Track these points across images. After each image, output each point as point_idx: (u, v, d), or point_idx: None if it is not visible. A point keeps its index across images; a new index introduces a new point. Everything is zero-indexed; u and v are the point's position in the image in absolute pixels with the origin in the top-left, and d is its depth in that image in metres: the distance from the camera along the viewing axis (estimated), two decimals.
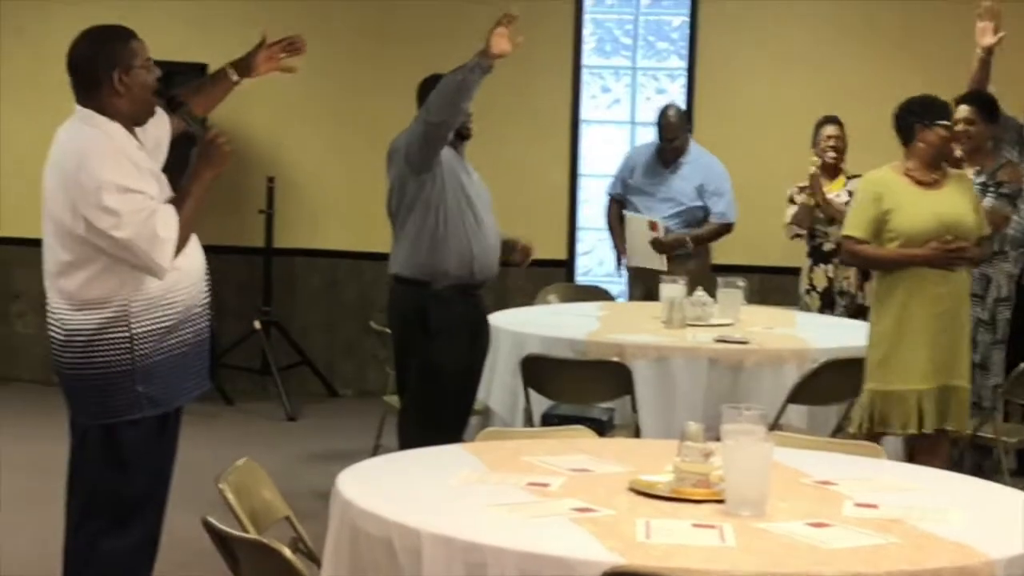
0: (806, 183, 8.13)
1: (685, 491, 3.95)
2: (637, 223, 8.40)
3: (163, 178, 4.72)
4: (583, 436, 4.84)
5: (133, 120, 4.67)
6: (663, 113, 8.58)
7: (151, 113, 4.72)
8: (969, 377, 6.13)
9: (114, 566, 4.74)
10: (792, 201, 8.30)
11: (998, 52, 7.13)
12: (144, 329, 4.61)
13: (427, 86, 6.48)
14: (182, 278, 4.66)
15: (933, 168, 6.04)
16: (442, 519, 3.69)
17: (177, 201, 4.59)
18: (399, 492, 3.99)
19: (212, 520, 3.80)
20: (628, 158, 8.81)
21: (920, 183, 6.01)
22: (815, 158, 8.16)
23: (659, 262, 8.19)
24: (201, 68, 9.41)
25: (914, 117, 6.03)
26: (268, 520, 4.22)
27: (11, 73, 9.73)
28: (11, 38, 9.75)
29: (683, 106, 9.31)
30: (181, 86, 5.22)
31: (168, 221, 4.51)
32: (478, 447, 4.64)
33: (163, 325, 4.64)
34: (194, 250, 4.75)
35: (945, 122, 6.02)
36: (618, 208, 8.68)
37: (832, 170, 8.25)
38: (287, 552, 3.65)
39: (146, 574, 4.87)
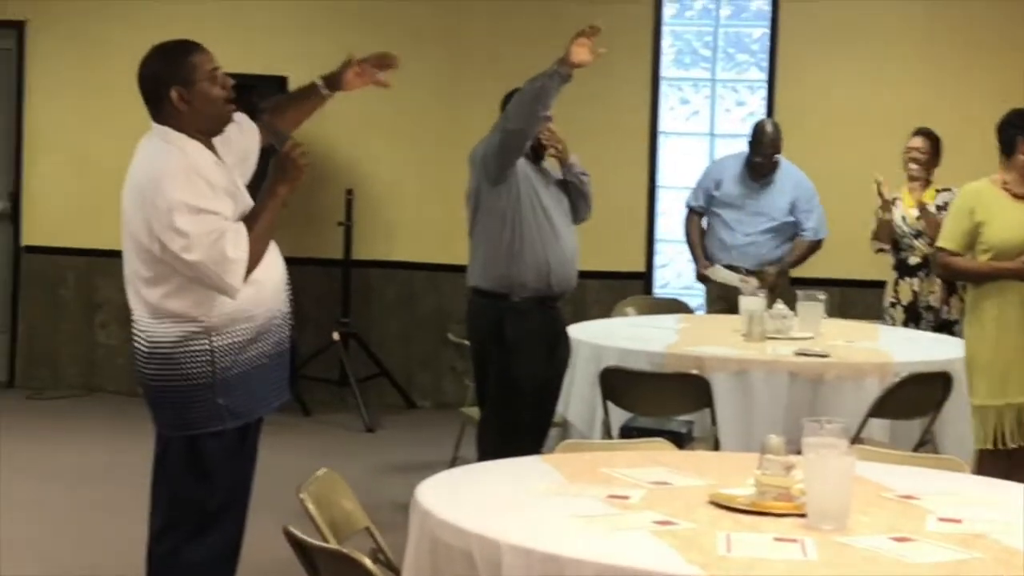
0: (891, 196, 8.03)
1: (766, 504, 3.92)
2: (724, 275, 8.30)
3: (241, 192, 4.69)
4: (662, 449, 4.82)
5: (205, 133, 4.66)
6: (761, 128, 8.47)
7: (221, 124, 4.70)
8: None
9: (195, 574, 4.75)
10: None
11: None
12: (224, 342, 4.61)
13: (511, 98, 6.48)
14: (261, 290, 4.65)
15: None
16: (522, 530, 3.68)
17: (249, 218, 4.57)
18: (478, 503, 3.99)
19: (293, 529, 3.82)
20: (712, 170, 8.71)
21: (1017, 196, 5.95)
22: (878, 173, 8.05)
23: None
24: (280, 80, 9.49)
25: (1015, 130, 5.97)
26: (348, 530, 4.23)
27: (94, 89, 9.87)
28: (97, 53, 9.91)
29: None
30: (268, 98, 5.23)
31: (238, 241, 4.49)
32: (557, 459, 4.62)
33: (243, 337, 4.63)
34: (274, 262, 4.74)
35: None
36: (698, 220, 8.60)
37: (921, 182, 8.10)
38: (368, 562, 3.65)
39: None
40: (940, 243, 6.05)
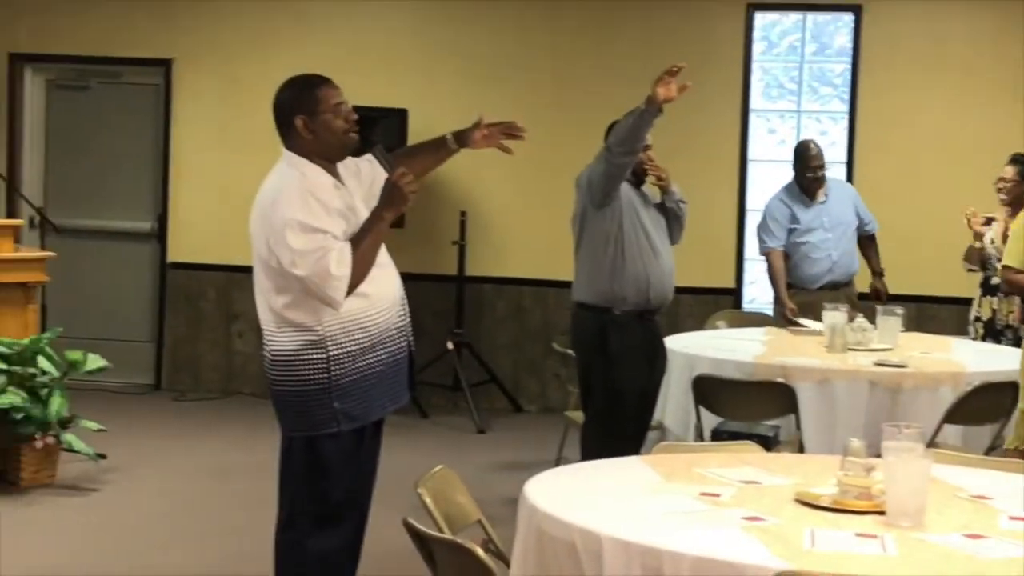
0: (984, 218, 7.86)
1: (848, 503, 3.89)
2: (815, 326, 7.70)
3: (357, 216, 4.66)
4: (751, 451, 4.80)
5: (326, 159, 4.67)
6: (806, 146, 8.28)
7: (342, 152, 4.71)
8: None
9: (319, 564, 4.76)
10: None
11: None
12: (339, 351, 4.62)
13: (613, 129, 6.51)
14: (374, 304, 4.65)
15: None
16: (621, 524, 3.68)
17: (356, 239, 4.56)
18: (581, 499, 3.99)
19: (412, 521, 3.84)
20: (775, 209, 8.31)
21: None
22: (970, 207, 7.89)
23: None
24: (401, 113, 9.55)
25: None
26: (461, 522, 4.24)
27: (233, 120, 9.98)
28: (236, 88, 10.02)
29: (846, 147, 9.32)
30: (401, 147, 5.19)
31: (343, 259, 4.49)
32: (654, 459, 4.61)
33: (357, 347, 4.64)
34: (388, 279, 4.74)
35: None
36: (782, 257, 8.22)
37: (1009, 208, 7.79)
38: (480, 552, 3.67)
39: (350, 573, 4.89)
40: (1005, 261, 6.01)
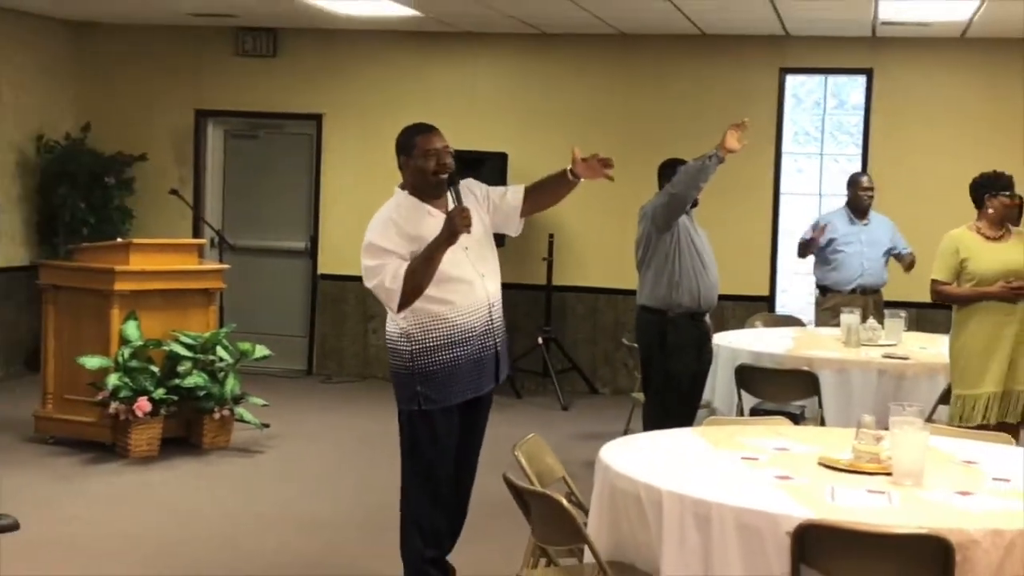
0: None
1: (861, 466, 3.87)
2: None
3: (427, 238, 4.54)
4: (783, 425, 4.78)
5: (421, 192, 4.62)
6: (860, 175, 8.31)
7: (430, 189, 4.61)
8: None
9: (423, 515, 4.73)
10: None
11: None
12: (419, 346, 4.58)
13: (665, 166, 6.51)
14: (455, 309, 4.58)
15: (998, 227, 5.85)
16: (677, 481, 3.68)
17: (416, 259, 4.49)
18: (645, 461, 3.98)
19: (511, 477, 3.86)
20: (823, 219, 8.28)
21: (988, 238, 5.83)
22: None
23: None
24: (503, 156, 9.58)
25: (983, 189, 5.87)
26: (550, 479, 4.25)
27: (370, 162, 10.05)
28: (373, 136, 10.09)
29: None
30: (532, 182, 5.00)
31: (397, 275, 4.46)
32: (704, 431, 4.60)
33: (437, 343, 4.58)
34: (474, 291, 4.63)
35: (1007, 192, 5.82)
36: (813, 244, 8.13)
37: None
38: (565, 502, 3.68)
39: (446, 523, 4.81)
40: (933, 275, 5.89)
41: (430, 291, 4.52)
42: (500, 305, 4.76)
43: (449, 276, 4.54)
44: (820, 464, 3.97)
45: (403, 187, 4.69)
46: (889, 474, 3.80)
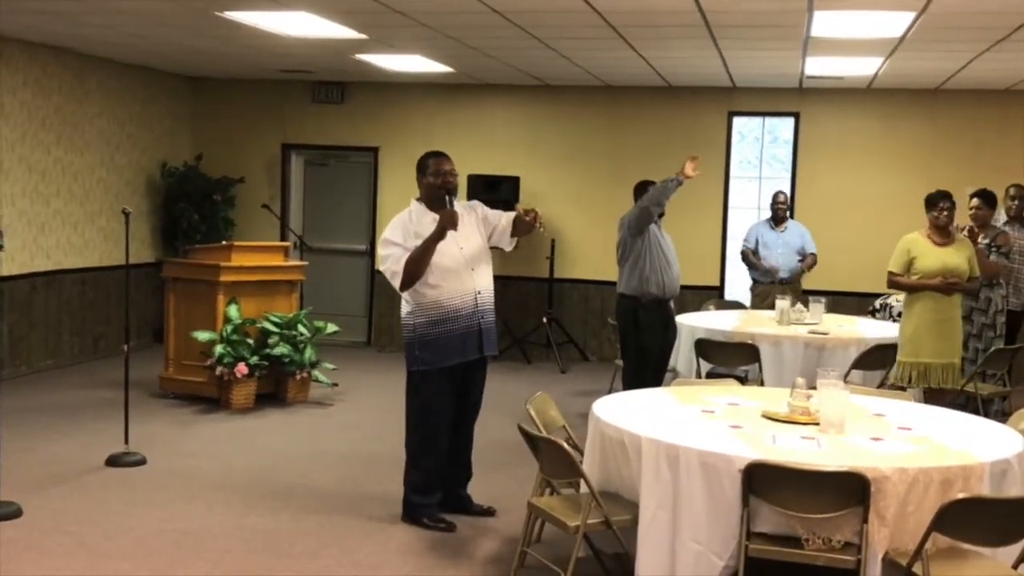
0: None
1: (796, 417, 3.81)
2: (769, 265, 7.90)
3: (456, 240, 4.51)
4: (732, 385, 4.71)
5: (429, 203, 4.61)
6: (777, 195, 8.32)
7: (437, 201, 4.57)
8: (959, 357, 5.76)
9: (417, 454, 4.68)
10: None
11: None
12: (420, 319, 4.56)
13: (639, 186, 6.42)
14: (443, 293, 4.53)
15: (942, 233, 5.75)
16: (653, 428, 3.63)
17: (414, 250, 4.45)
18: (627, 414, 3.93)
19: (523, 426, 3.80)
20: (754, 229, 8.40)
21: (934, 242, 5.75)
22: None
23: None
24: (515, 179, 9.50)
25: (928, 204, 5.80)
26: (553, 427, 4.20)
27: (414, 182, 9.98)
28: (414, 163, 10.01)
29: (790, 200, 9.05)
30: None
31: (399, 262, 4.44)
32: (672, 390, 4.55)
33: (432, 319, 4.55)
34: (462, 279, 4.56)
35: (937, 208, 5.70)
36: (752, 254, 8.29)
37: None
38: (566, 445, 3.62)
39: (441, 463, 4.71)
40: (890, 268, 5.82)
41: (429, 279, 4.49)
42: (489, 295, 4.68)
43: (445, 267, 4.52)
44: (763, 416, 3.90)
45: (419, 199, 4.66)
46: (817, 424, 3.73)
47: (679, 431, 3.61)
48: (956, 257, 5.71)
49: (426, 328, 4.56)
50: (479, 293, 4.64)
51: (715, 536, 3.30)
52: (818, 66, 7.89)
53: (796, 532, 3.25)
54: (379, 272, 10.24)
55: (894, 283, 5.85)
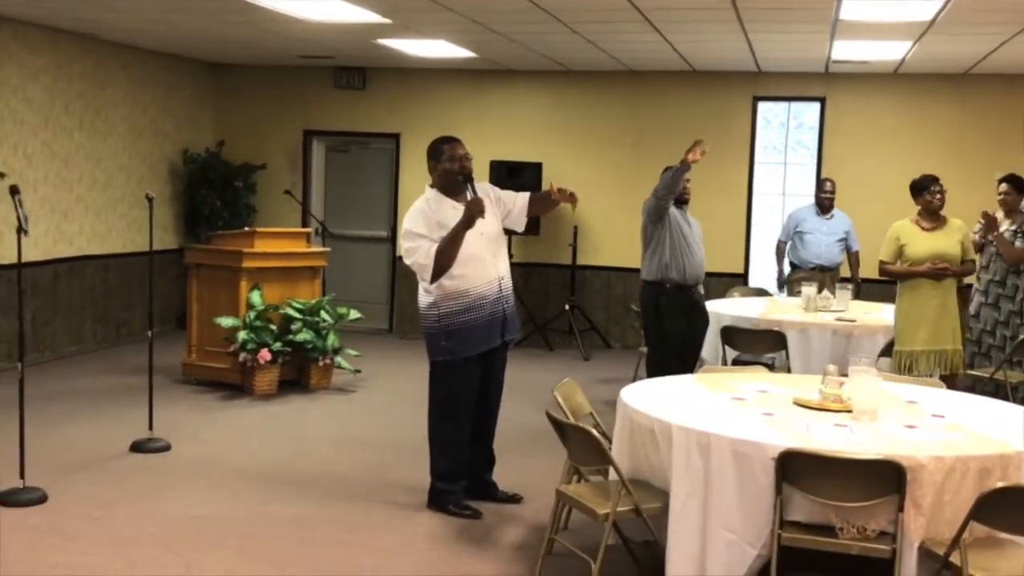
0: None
1: (828, 404, 3.75)
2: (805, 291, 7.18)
3: (476, 226, 4.46)
4: (760, 372, 4.65)
5: (445, 190, 4.54)
6: (823, 183, 8.20)
7: (452, 187, 4.53)
8: (958, 343, 5.63)
9: (444, 442, 4.66)
10: None
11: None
12: (443, 311, 4.52)
13: (666, 172, 6.30)
14: (467, 282, 4.49)
15: (932, 218, 5.66)
16: (683, 416, 3.59)
17: (443, 240, 4.42)
18: (657, 401, 3.88)
19: (551, 412, 3.76)
20: (795, 215, 8.23)
21: (923, 228, 5.66)
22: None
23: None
24: (538, 165, 9.44)
25: (915, 190, 5.71)
26: (580, 414, 4.16)
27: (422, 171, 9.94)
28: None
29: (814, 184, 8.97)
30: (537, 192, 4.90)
31: (429, 254, 4.39)
32: (701, 377, 4.50)
33: (456, 309, 4.51)
34: (485, 267, 4.53)
35: (928, 191, 5.60)
36: (784, 247, 8.22)
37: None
38: (594, 432, 3.58)
39: (463, 453, 4.70)
40: (880, 256, 5.74)
41: (454, 268, 4.44)
42: (509, 279, 4.68)
43: (469, 254, 4.48)
44: (795, 403, 3.84)
45: (432, 186, 4.60)
46: (850, 411, 3.67)
47: (710, 419, 3.56)
48: (946, 241, 5.59)
49: (452, 317, 4.53)
50: (502, 279, 4.63)
51: (747, 525, 3.25)
52: (845, 50, 7.79)
53: (830, 521, 3.20)
54: (400, 258, 10.44)
55: (885, 271, 5.73)
